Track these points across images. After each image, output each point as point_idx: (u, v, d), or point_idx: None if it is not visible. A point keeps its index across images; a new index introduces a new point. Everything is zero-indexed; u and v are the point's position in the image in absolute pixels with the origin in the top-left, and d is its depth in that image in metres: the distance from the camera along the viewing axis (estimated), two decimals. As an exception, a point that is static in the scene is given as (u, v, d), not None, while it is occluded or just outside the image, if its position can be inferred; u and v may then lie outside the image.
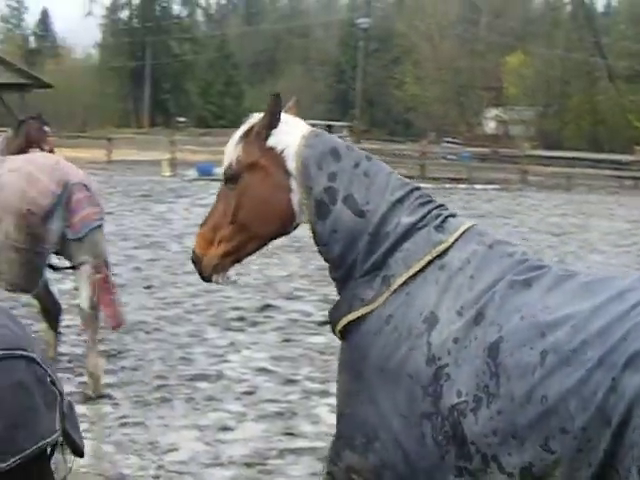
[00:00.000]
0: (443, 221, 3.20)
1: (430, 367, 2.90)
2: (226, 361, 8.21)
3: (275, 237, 3.51)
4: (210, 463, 5.79)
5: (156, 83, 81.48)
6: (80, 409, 6.30)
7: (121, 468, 5.64)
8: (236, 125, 3.57)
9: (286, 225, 3.42)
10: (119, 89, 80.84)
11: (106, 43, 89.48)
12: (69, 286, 10.31)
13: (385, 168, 3.37)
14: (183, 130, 56.58)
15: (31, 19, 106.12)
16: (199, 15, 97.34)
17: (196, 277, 3.60)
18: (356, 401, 3.12)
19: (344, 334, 3.23)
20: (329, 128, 37.21)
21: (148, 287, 11.39)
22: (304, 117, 3.60)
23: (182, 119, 67.56)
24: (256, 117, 3.43)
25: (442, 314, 2.96)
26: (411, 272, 3.08)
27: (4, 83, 43.38)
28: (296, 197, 3.33)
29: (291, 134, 3.35)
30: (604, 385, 2.57)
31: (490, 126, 63.72)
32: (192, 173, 30.92)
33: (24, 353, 1.61)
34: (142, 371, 7.76)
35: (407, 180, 3.40)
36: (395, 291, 3.08)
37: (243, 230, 3.37)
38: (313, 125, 3.52)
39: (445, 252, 3.09)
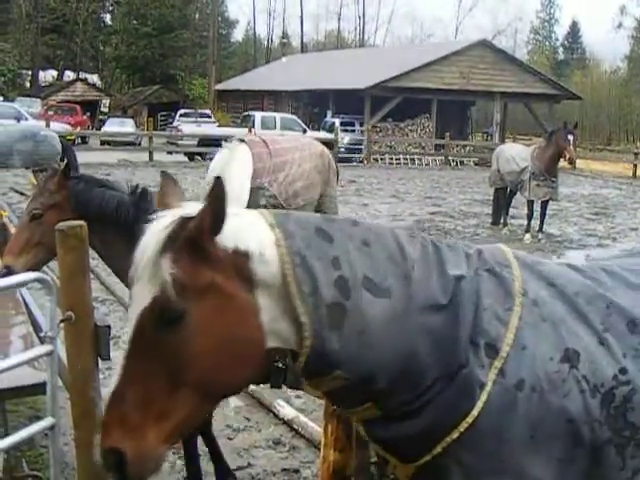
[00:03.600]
0: (490, 256, 2.68)
1: (595, 397, 2.59)
2: None
3: (236, 392, 2.44)
4: None
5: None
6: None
7: None
8: None
9: (257, 369, 2.28)
10: (647, 103, 77.97)
11: (635, 56, 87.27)
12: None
13: (375, 226, 2.59)
14: None
15: (560, 31, 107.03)
16: None
17: None
18: None
19: (457, 443, 2.46)
20: None
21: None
22: None
23: None
24: (179, 211, 2.27)
25: (578, 344, 2.62)
26: (514, 326, 2.53)
27: (534, 93, 44.07)
28: (266, 319, 2.25)
29: (249, 227, 2.29)
30: None
31: None
32: None
33: None
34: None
35: (402, 231, 2.66)
36: (508, 355, 2.51)
37: (192, 394, 2.20)
38: None
39: (523, 288, 2.63)
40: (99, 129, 46.93)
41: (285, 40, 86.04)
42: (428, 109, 42.46)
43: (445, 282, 2.50)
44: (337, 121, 39.53)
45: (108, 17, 78.34)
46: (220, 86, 61.43)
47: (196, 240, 2.17)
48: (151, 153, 33.78)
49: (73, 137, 37.27)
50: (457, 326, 2.46)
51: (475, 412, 2.44)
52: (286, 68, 58.21)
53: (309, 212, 8.44)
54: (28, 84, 63.32)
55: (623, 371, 2.64)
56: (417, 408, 2.45)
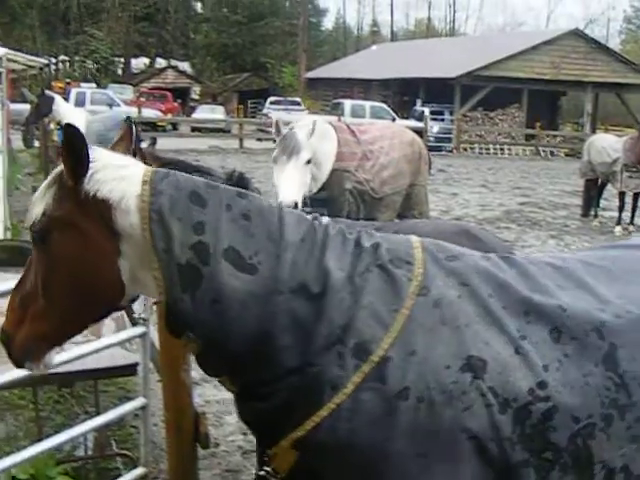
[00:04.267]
0: (388, 251, 2.48)
1: (506, 413, 2.34)
2: None
3: (97, 319, 2.59)
4: None
5: None
6: None
7: None
8: None
9: (110, 304, 2.52)
10: None
11: None
12: None
13: (266, 204, 2.54)
14: None
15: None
16: None
17: None
18: None
19: (308, 443, 2.34)
20: None
21: None
22: None
23: None
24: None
25: (485, 352, 2.37)
26: (396, 329, 2.33)
27: (626, 83, 43.21)
28: (128, 264, 2.42)
29: (125, 179, 2.43)
30: None
31: None
32: None
33: None
34: None
35: (298, 211, 2.63)
36: (384, 359, 2.30)
37: (55, 308, 2.45)
38: None
39: (425, 287, 2.41)
40: (189, 116, 47.58)
41: (375, 28, 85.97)
42: (518, 98, 41.91)
43: (320, 271, 2.38)
44: (427, 110, 39.31)
45: (199, 5, 79.32)
46: (310, 74, 61.64)
47: (62, 182, 2.43)
48: (241, 140, 34.16)
49: (164, 123, 37.86)
50: (319, 320, 2.33)
51: (324, 413, 2.31)
52: (376, 56, 58.07)
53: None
54: (120, 71, 64.56)
55: (542, 385, 2.39)
56: (267, 393, 2.38)
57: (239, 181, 4.54)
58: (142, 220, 2.37)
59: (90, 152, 2.39)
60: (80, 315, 2.50)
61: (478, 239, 4.19)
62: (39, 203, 2.46)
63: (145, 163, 4.75)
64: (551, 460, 2.40)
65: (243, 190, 2.58)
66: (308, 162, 7.38)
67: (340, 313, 2.34)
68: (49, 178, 2.50)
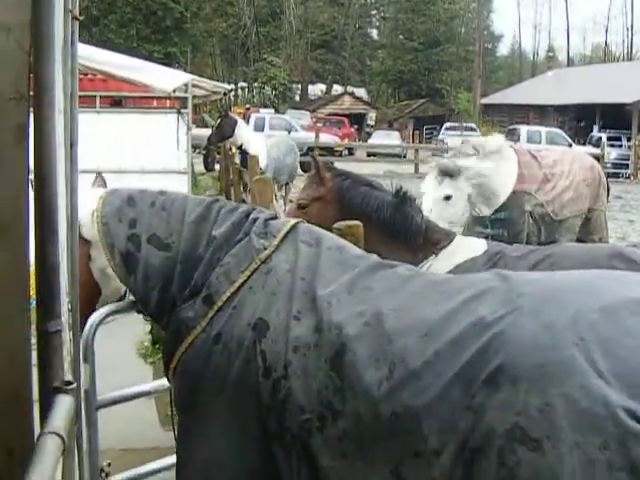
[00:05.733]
0: (264, 225, 2.93)
1: (268, 380, 2.58)
2: None
3: (88, 310, 3.17)
4: None
5: None
6: None
7: None
8: None
9: (90, 298, 3.11)
10: None
11: None
12: None
13: (180, 195, 3.16)
14: None
15: None
16: None
17: None
18: (191, 441, 2.74)
19: (175, 373, 2.86)
20: None
21: None
22: None
23: None
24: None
25: (272, 319, 2.66)
26: (236, 285, 2.76)
27: None
28: (97, 266, 3.06)
29: (86, 202, 2.99)
30: (461, 404, 2.24)
31: None
32: None
33: None
34: None
35: (204, 197, 3.16)
36: (220, 308, 2.75)
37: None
38: None
39: (270, 257, 2.80)
40: (365, 141, 48.33)
41: (551, 54, 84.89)
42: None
43: (208, 240, 2.90)
44: (604, 136, 38.74)
45: (375, 32, 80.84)
46: (485, 100, 61.63)
47: None
48: (417, 165, 34.32)
49: (341, 148, 38.77)
50: (197, 274, 2.86)
51: (183, 348, 2.80)
52: (552, 82, 57.49)
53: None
54: (298, 97, 66.41)
55: (288, 364, 2.57)
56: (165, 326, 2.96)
57: (404, 197, 4.95)
58: (97, 227, 3.03)
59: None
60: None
61: (632, 261, 4.32)
62: None
63: (321, 172, 5.09)
64: (289, 444, 2.56)
65: (164, 190, 3.19)
66: (447, 198, 7.41)
67: (207, 269, 2.85)
68: None
